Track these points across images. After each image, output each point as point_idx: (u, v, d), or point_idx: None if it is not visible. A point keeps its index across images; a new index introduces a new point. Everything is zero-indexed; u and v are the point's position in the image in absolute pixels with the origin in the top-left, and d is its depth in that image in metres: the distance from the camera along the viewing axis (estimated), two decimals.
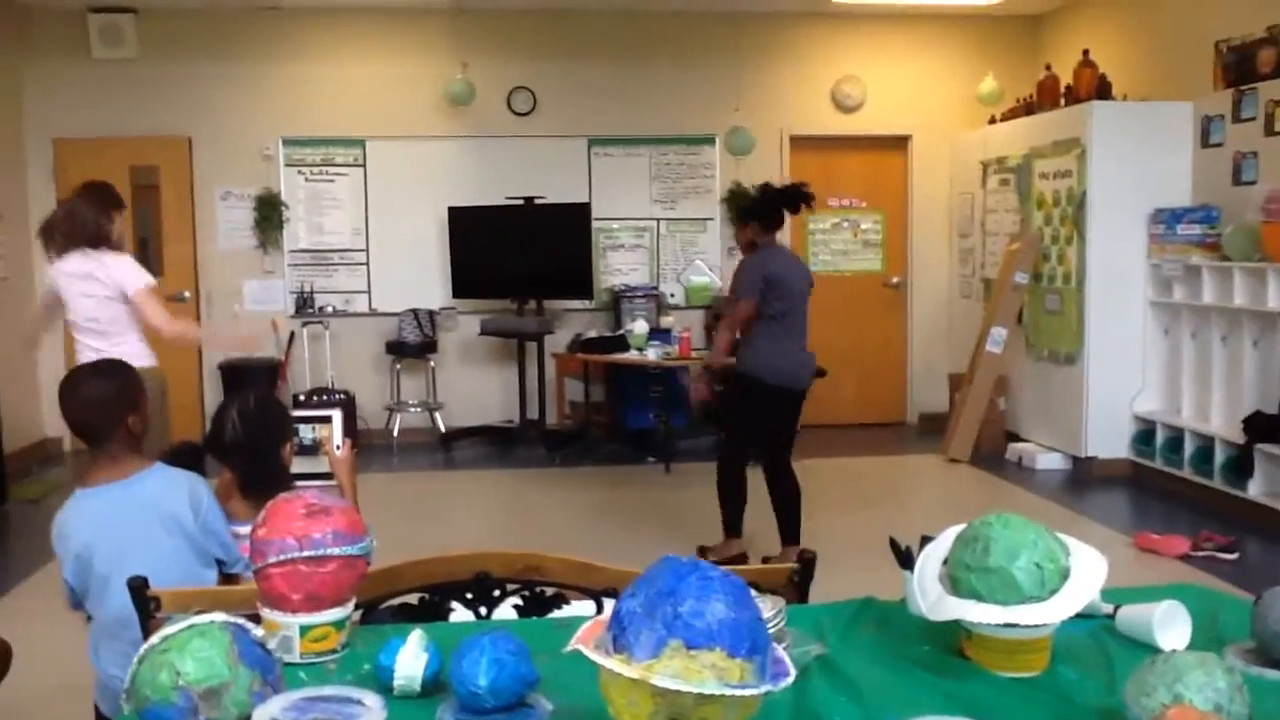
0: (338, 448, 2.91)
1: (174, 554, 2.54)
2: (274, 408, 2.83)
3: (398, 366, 8.38)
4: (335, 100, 8.38)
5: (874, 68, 8.78)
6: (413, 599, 2.27)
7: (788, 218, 5.34)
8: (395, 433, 8.33)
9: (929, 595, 1.90)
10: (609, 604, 2.21)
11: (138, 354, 4.34)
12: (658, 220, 8.73)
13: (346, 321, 8.44)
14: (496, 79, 8.41)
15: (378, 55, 8.40)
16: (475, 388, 8.58)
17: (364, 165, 8.47)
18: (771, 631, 1.66)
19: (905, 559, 2.10)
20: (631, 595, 1.41)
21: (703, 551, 5.36)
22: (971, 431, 7.75)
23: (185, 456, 2.72)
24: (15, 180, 8.03)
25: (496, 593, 2.27)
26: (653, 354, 7.34)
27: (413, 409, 8.45)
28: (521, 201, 8.12)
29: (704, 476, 7.41)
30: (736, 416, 5.49)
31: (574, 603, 2.30)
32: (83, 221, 4.40)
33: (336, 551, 1.87)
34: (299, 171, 8.41)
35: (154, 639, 1.54)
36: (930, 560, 1.99)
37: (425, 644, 1.73)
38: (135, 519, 2.52)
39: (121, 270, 4.40)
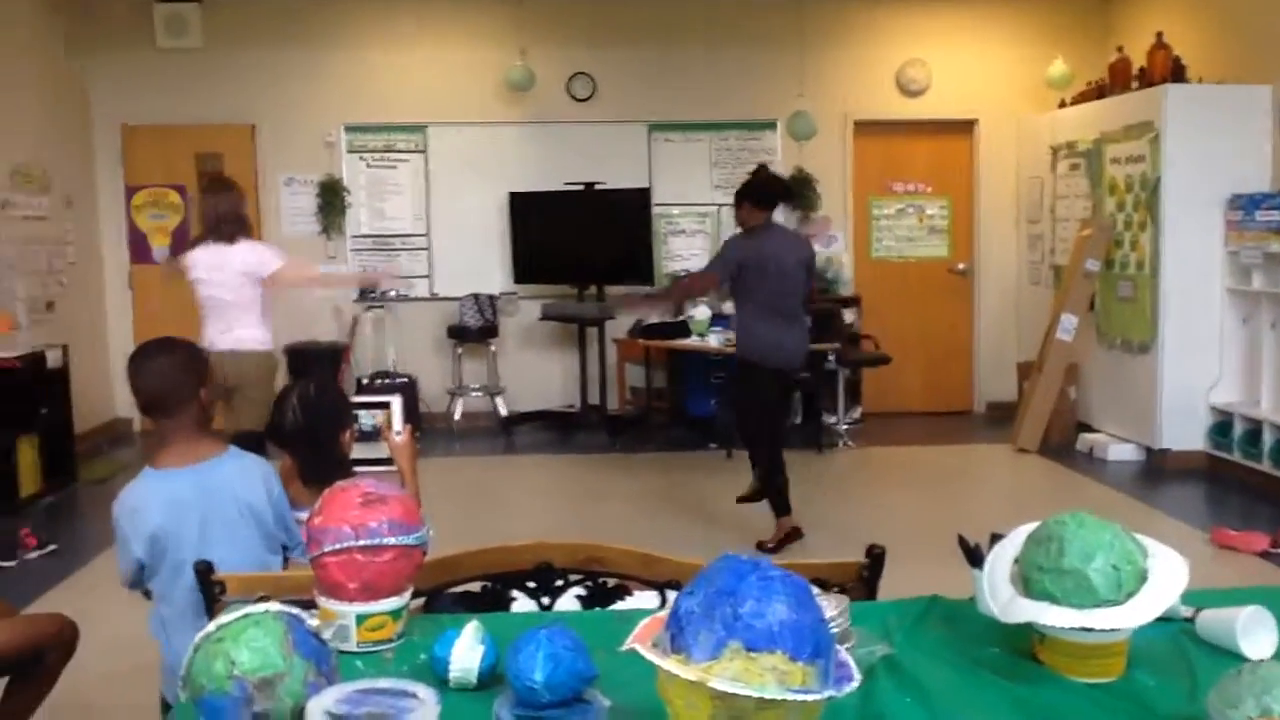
0: (397, 433, 2.89)
1: (247, 542, 2.55)
2: (334, 394, 2.83)
3: (459, 351, 8.41)
4: (397, 87, 8.41)
5: (940, 51, 8.61)
6: (475, 587, 2.25)
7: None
8: (456, 417, 8.36)
9: (1000, 596, 1.84)
10: (672, 596, 2.20)
11: (262, 337, 5.07)
12: (718, 206, 8.65)
13: (408, 306, 8.48)
14: (556, 65, 8.39)
15: (439, 42, 8.41)
16: (536, 372, 8.59)
17: (425, 151, 8.49)
18: (835, 631, 1.61)
19: (974, 557, 2.03)
20: (690, 594, 1.37)
21: (761, 546, 5.32)
22: (1041, 421, 7.59)
23: (247, 442, 2.72)
24: (84, 167, 8.17)
25: (559, 583, 2.25)
26: (714, 340, 7.28)
27: (474, 393, 8.47)
28: (582, 187, 8.09)
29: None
30: (736, 398, 5.64)
31: (637, 594, 2.27)
32: (236, 214, 5.08)
33: (392, 541, 1.85)
34: (360, 158, 8.46)
35: (209, 627, 1.53)
36: (1001, 559, 1.92)
37: (481, 636, 1.71)
38: (212, 505, 2.52)
39: (257, 254, 5.05)
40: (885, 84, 8.63)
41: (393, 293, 8.42)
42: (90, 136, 8.26)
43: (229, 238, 5.02)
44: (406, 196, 8.53)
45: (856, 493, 6.82)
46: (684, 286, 5.48)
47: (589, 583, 2.27)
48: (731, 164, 8.61)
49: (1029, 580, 1.80)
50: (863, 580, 2.27)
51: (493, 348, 8.43)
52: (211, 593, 2.16)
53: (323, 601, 1.86)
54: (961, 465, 7.49)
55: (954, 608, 2.05)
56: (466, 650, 1.68)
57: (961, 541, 2.08)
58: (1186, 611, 1.90)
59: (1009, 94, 8.62)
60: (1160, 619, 1.74)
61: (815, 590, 1.84)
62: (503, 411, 8.37)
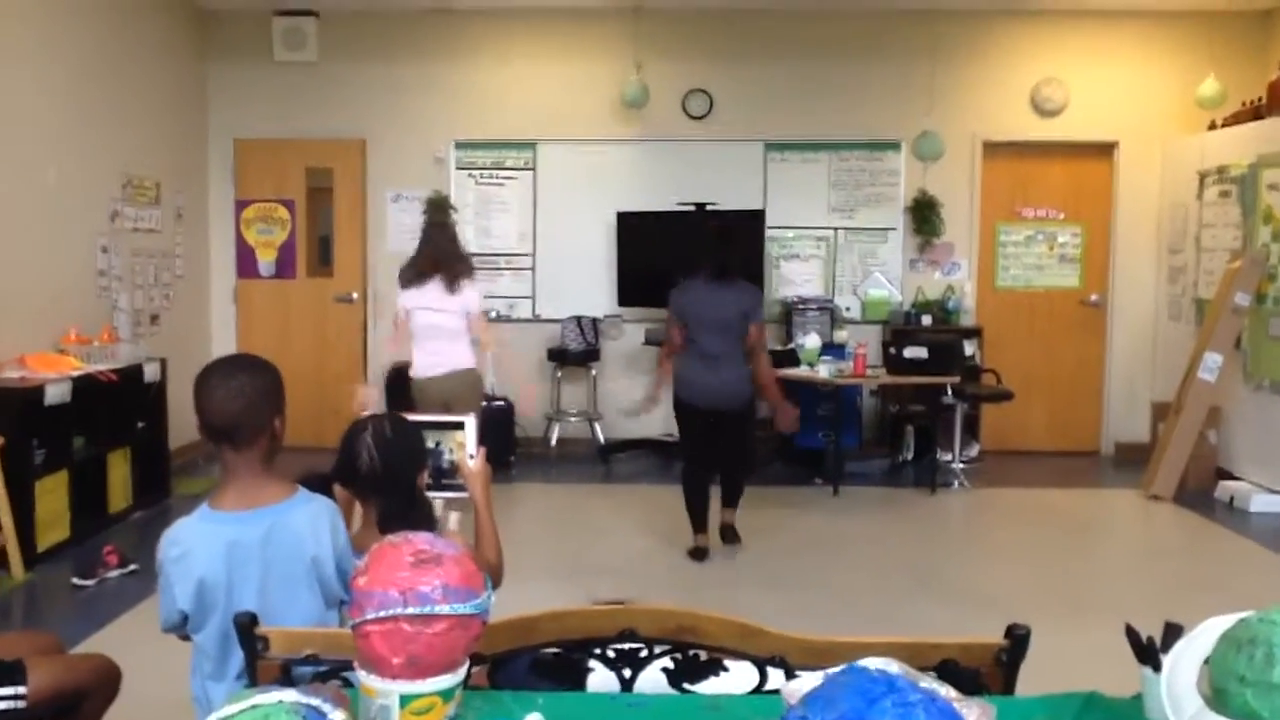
0: (471, 457, 2.61)
1: (309, 601, 2.25)
2: (410, 432, 2.53)
3: (559, 374, 8.19)
4: (507, 103, 8.28)
5: (1078, 69, 8.14)
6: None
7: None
8: (553, 442, 8.13)
9: (1184, 709, 1.48)
10: (774, 674, 1.89)
11: (469, 353, 5.53)
12: (835, 229, 8.30)
13: (510, 327, 8.29)
14: (672, 81, 8.16)
15: (551, 57, 8.25)
16: (637, 399, 8.30)
17: (534, 169, 8.33)
18: None
19: (1147, 653, 1.66)
20: (802, 718, 1.05)
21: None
22: (1177, 466, 7.05)
23: (312, 487, 2.39)
24: (198, 180, 8.20)
25: (644, 653, 1.95)
26: (824, 370, 6.94)
27: (572, 419, 8.24)
28: (693, 208, 7.82)
29: (874, 501, 7.02)
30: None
31: (733, 667, 1.96)
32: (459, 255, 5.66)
33: (446, 610, 1.56)
34: (469, 174, 8.33)
35: (211, 719, 1.26)
36: (1185, 661, 1.56)
37: None
38: (276, 557, 2.21)
39: (472, 296, 5.53)
40: (1019, 103, 8.19)
41: (493, 313, 8.26)
42: (204, 149, 8.29)
43: (452, 286, 5.49)
44: (513, 215, 8.37)
45: (972, 540, 6.38)
46: (666, 351, 5.75)
47: (678, 654, 1.96)
48: (851, 185, 8.25)
49: (1224, 693, 1.44)
50: (999, 666, 1.91)
51: (593, 372, 8.20)
52: (254, 649, 1.91)
53: (363, 677, 1.59)
54: (1088, 512, 6.97)
55: (1117, 713, 1.71)
56: None
57: (1130, 633, 1.72)
58: None
59: (1153, 114, 8.10)
60: None
61: (953, 695, 1.50)
62: (601, 438, 8.12)
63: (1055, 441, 8.41)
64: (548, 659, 1.98)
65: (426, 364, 5.52)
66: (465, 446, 2.63)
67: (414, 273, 5.53)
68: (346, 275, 8.40)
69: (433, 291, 5.46)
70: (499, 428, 7.72)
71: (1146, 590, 5.18)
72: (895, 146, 8.22)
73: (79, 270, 6.47)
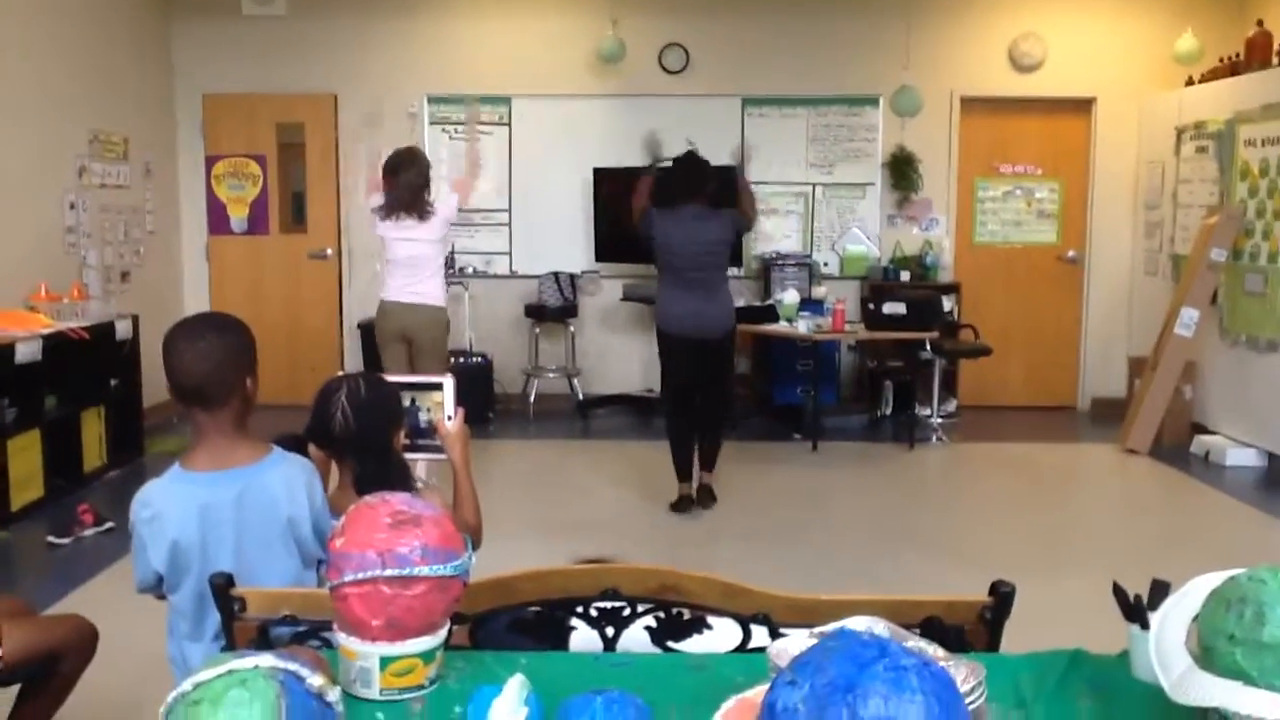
0: (449, 419, 2.56)
1: (285, 561, 2.21)
2: (385, 391, 2.46)
3: (537, 330, 8.14)
4: (482, 57, 8.15)
5: (1056, 24, 8.07)
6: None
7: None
8: (532, 398, 8.10)
9: (1172, 667, 1.47)
10: (757, 631, 1.87)
11: (440, 292, 5.63)
12: (813, 185, 8.24)
13: (487, 283, 8.23)
14: (648, 35, 8.05)
15: (526, 10, 8.12)
16: (615, 355, 8.30)
17: (509, 124, 8.22)
18: (971, 709, 1.27)
19: (1134, 611, 1.66)
20: (791, 684, 1.03)
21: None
22: (1153, 421, 7.09)
23: (288, 447, 2.33)
24: (166, 136, 8.05)
25: (626, 611, 1.93)
26: (803, 326, 6.94)
27: (551, 374, 8.20)
28: (670, 163, 7.72)
29: (853, 457, 7.04)
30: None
31: (716, 625, 1.94)
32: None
33: (425, 571, 1.54)
34: (443, 129, 8.22)
35: (185, 684, 1.24)
36: (1173, 620, 1.54)
37: (525, 696, 1.40)
38: (251, 518, 2.17)
39: (443, 212, 5.69)
40: (996, 58, 8.12)
41: (470, 269, 8.18)
42: (172, 104, 8.13)
43: (422, 215, 5.58)
44: (489, 170, 8.27)
45: (950, 495, 6.42)
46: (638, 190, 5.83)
47: (661, 613, 1.95)
48: (829, 141, 8.19)
49: (1213, 651, 1.42)
50: (985, 623, 1.90)
51: (571, 328, 8.16)
52: (230, 610, 1.88)
53: (342, 639, 1.57)
54: (1065, 465, 7.02)
55: (1103, 670, 1.70)
56: (507, 713, 1.37)
57: (1117, 591, 1.72)
58: None
59: (1131, 70, 8.05)
60: None
61: (940, 655, 1.49)
62: (580, 394, 8.10)
63: (1033, 397, 8.43)
64: (530, 618, 1.96)
65: (395, 288, 5.59)
66: (444, 407, 2.57)
67: (387, 209, 5.61)
68: (320, 232, 8.29)
69: (406, 222, 5.55)
70: (477, 384, 7.68)
71: (1124, 544, 5.23)
72: (874, 102, 8.15)
73: (47, 227, 6.35)
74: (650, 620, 1.95)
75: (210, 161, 8.21)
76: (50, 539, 4.98)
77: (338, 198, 8.26)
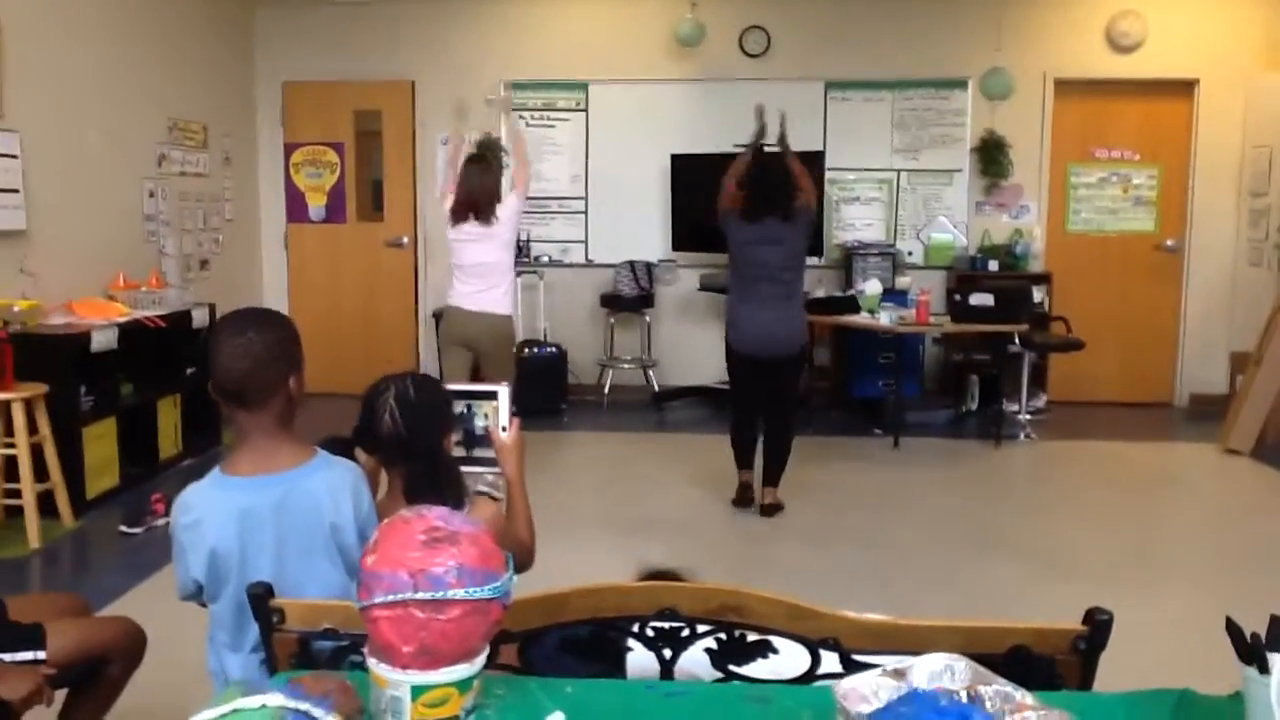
0: (503, 429, 2.43)
1: (329, 571, 2.10)
2: (436, 393, 2.34)
3: (612, 320, 8.04)
4: (559, 43, 8.07)
5: (1158, 1, 7.73)
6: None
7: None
8: (606, 389, 8.00)
9: None
10: (827, 657, 1.72)
11: (507, 300, 5.56)
12: (898, 171, 8.01)
13: (562, 272, 8.14)
14: (729, 18, 7.89)
15: None
16: (691, 346, 8.15)
17: (586, 110, 8.12)
18: None
19: (1251, 652, 1.47)
20: None
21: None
22: (1257, 419, 6.76)
23: (334, 451, 2.22)
24: (246, 124, 8.10)
25: (685, 632, 1.79)
26: (885, 317, 6.72)
27: (626, 365, 8.09)
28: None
29: (936, 454, 6.80)
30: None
31: (782, 648, 1.80)
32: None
33: (461, 594, 1.41)
34: (520, 115, 8.14)
35: None
36: None
37: None
38: (293, 525, 2.06)
39: (506, 213, 5.55)
40: (1093, 38, 7.80)
41: (545, 258, 8.10)
42: (252, 92, 8.17)
43: (487, 220, 5.49)
44: (565, 157, 8.18)
45: (1038, 496, 6.15)
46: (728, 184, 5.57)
47: (722, 634, 1.81)
48: (915, 126, 7.95)
49: None
50: (1078, 654, 1.73)
51: (647, 318, 8.03)
52: (269, 622, 1.79)
53: (373, 665, 1.45)
54: (1161, 466, 6.70)
55: (1215, 715, 1.52)
56: None
57: (1231, 628, 1.53)
58: None
59: (1237, 51, 7.69)
60: None
61: (1028, 702, 1.33)
62: (655, 385, 7.98)
63: (1126, 392, 8.11)
64: (583, 637, 1.83)
65: (461, 293, 5.56)
66: (498, 415, 2.44)
67: (454, 212, 5.58)
68: (397, 220, 8.28)
69: (470, 226, 5.51)
70: (551, 375, 7.61)
71: (1227, 555, 4.92)
72: (962, 84, 7.88)
73: (126, 215, 6.40)
74: (711, 642, 1.81)
75: (289, 149, 8.25)
76: (122, 528, 5.01)
77: (414, 185, 8.24)
